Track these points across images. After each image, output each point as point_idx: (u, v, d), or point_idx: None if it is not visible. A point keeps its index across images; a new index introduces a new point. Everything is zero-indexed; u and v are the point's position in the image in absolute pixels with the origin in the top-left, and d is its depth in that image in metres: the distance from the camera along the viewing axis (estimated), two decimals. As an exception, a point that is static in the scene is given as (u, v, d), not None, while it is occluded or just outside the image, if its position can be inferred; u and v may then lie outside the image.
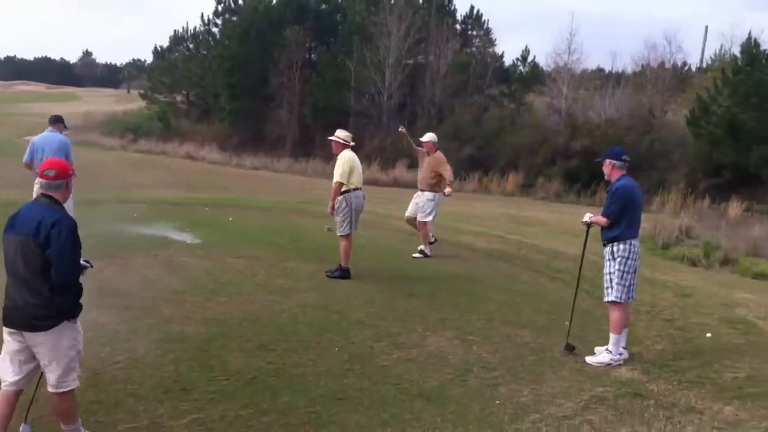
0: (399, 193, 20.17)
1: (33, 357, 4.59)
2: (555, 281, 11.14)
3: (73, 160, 9.75)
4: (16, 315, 4.51)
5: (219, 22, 44.12)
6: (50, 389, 4.62)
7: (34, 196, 10.46)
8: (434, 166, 12.16)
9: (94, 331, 6.35)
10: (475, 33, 42.22)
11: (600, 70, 41.31)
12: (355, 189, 10.11)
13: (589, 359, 7.11)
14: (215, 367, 6.39)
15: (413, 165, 12.88)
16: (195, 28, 46.89)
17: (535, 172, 29.88)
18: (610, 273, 7.15)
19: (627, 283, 7.11)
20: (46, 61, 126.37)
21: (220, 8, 43.85)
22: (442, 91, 36.82)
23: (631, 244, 7.10)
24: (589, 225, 7.34)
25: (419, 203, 12.23)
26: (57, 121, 11.06)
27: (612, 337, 7.10)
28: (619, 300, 7.08)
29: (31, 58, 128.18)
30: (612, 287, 7.12)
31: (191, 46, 47.53)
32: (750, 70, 26.33)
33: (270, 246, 12.23)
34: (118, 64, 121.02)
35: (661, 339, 8.10)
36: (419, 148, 12.45)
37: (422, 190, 12.28)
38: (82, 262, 4.64)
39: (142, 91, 50.90)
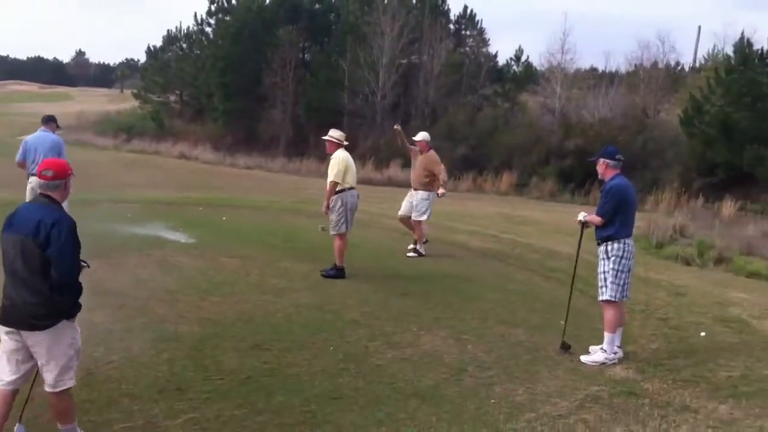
0: (393, 193, 20.16)
1: (30, 356, 4.58)
2: (549, 280, 11.14)
3: (66, 160, 9.71)
4: (14, 314, 4.51)
5: (212, 21, 44.03)
6: (47, 389, 4.61)
7: (27, 195, 10.54)
8: (428, 165, 12.16)
9: (88, 330, 6.29)
10: (468, 33, 42.19)
11: (593, 69, 41.44)
12: (350, 188, 10.11)
13: (583, 358, 7.11)
14: (210, 366, 6.37)
15: (407, 164, 12.89)
16: (188, 27, 46.78)
17: (529, 172, 29.92)
18: (604, 272, 7.16)
19: (621, 282, 7.12)
20: (39, 60, 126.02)
21: (213, 8, 43.77)
22: (435, 90, 36.82)
23: (625, 243, 7.11)
24: (583, 224, 7.34)
25: (413, 202, 12.22)
26: (49, 121, 11.06)
27: (606, 336, 7.11)
28: (613, 299, 7.09)
29: (24, 58, 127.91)
30: (606, 286, 7.12)
31: (184, 45, 47.37)
32: (743, 69, 26.39)
33: (264, 246, 12.21)
34: (111, 64, 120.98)
35: (655, 338, 8.12)
36: (412, 147, 12.45)
37: (416, 189, 12.28)
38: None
39: (135, 91, 50.68)
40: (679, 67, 39.63)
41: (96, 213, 13.68)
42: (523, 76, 38.89)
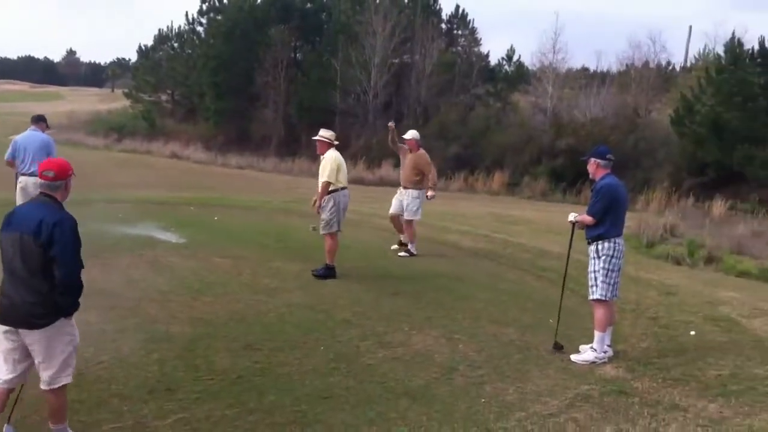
0: (385, 192, 20.14)
1: (27, 355, 4.59)
2: (540, 280, 11.17)
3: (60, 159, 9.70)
4: (12, 313, 4.52)
5: (204, 21, 43.98)
6: (44, 386, 4.63)
7: (18, 195, 10.51)
8: (418, 164, 12.18)
9: (78, 330, 6.30)
10: (460, 32, 42.19)
11: (585, 69, 41.41)
12: (343, 188, 10.12)
13: (574, 357, 7.14)
14: (201, 366, 6.37)
15: (398, 164, 12.88)
16: (180, 27, 46.75)
17: (520, 171, 29.94)
18: (594, 271, 7.18)
19: (611, 281, 7.14)
20: (29, 60, 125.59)
21: (204, 7, 43.70)
22: (427, 90, 36.83)
23: (615, 243, 7.14)
24: (574, 224, 7.37)
25: (404, 201, 12.22)
26: (39, 121, 11.04)
27: (597, 335, 7.13)
28: (603, 298, 7.12)
29: (15, 57, 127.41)
30: (597, 285, 7.15)
31: (176, 45, 47.31)
32: (733, 69, 26.46)
33: (256, 245, 12.20)
34: (102, 64, 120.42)
35: (645, 337, 8.15)
36: (402, 145, 12.45)
37: (406, 188, 12.28)
38: None
39: (126, 91, 50.57)
40: (670, 67, 39.75)
41: (87, 213, 13.57)
42: (514, 76, 38.93)
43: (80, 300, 4.67)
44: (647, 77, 34.17)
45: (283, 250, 11.93)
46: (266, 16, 39.57)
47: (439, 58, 37.00)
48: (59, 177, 4.64)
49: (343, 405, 5.72)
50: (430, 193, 12.25)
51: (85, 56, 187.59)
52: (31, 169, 10.46)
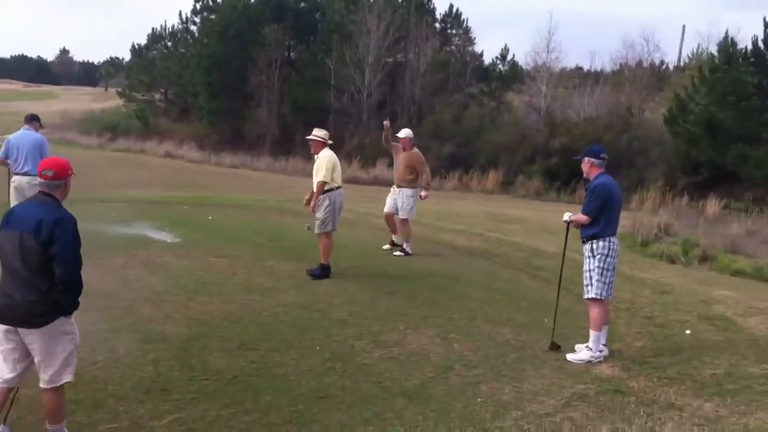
0: (379, 192, 20.11)
1: (27, 354, 4.59)
2: (535, 279, 11.18)
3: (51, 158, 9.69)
4: (12, 312, 4.52)
5: (197, 20, 43.82)
6: (44, 385, 4.62)
7: (11, 194, 10.48)
8: (412, 163, 12.18)
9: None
10: (454, 31, 42.17)
11: (579, 68, 41.42)
12: (338, 187, 10.12)
13: (569, 356, 7.14)
14: (196, 366, 6.36)
15: (393, 163, 12.85)
16: (173, 26, 46.53)
17: (515, 170, 29.92)
18: (589, 270, 7.19)
19: (606, 280, 7.15)
20: (22, 59, 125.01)
21: (198, 6, 43.54)
22: (421, 89, 36.80)
23: (610, 242, 7.15)
24: (569, 223, 7.37)
25: (398, 200, 12.22)
26: (32, 120, 11.02)
27: (592, 334, 7.14)
28: (599, 297, 7.12)
29: (8, 56, 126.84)
30: (592, 284, 7.15)
31: (169, 44, 47.14)
32: (727, 68, 26.48)
33: (250, 245, 12.19)
34: (96, 62, 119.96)
35: (640, 336, 8.16)
36: (395, 143, 12.44)
37: (400, 187, 12.28)
38: None
39: (119, 90, 50.34)
40: (663, 66, 39.75)
41: (81, 212, 13.46)
42: (508, 75, 38.90)
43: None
44: (641, 76, 34.20)
45: (277, 250, 11.92)
46: (260, 16, 39.48)
47: (433, 57, 36.97)
48: (58, 176, 4.66)
49: (339, 405, 5.72)
50: (423, 193, 12.27)
51: (78, 55, 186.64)
52: (25, 169, 10.44)
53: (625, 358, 7.24)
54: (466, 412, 5.69)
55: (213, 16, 41.76)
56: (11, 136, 10.92)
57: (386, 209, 12.45)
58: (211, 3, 42.87)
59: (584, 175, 7.44)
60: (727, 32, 28.63)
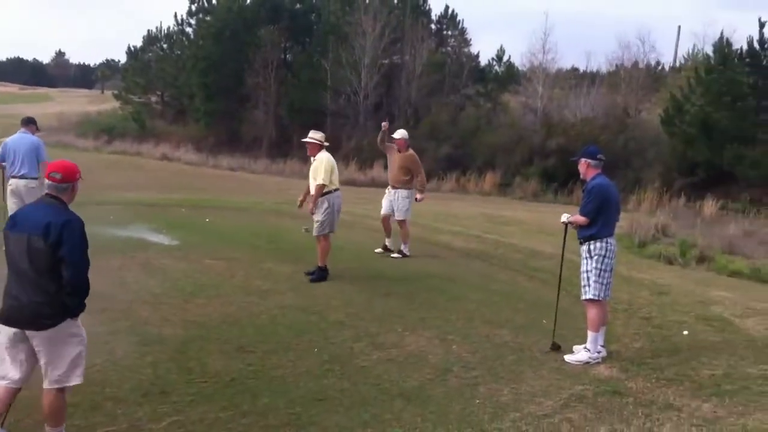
0: (376, 193, 20.08)
1: (33, 356, 4.58)
2: (532, 280, 11.18)
3: (47, 161, 9.71)
4: (19, 313, 4.53)
5: (193, 22, 43.79)
6: (49, 386, 4.61)
7: (8, 198, 10.46)
8: (407, 164, 12.18)
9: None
10: (450, 33, 42.20)
11: (575, 69, 41.59)
12: (336, 189, 10.12)
13: (567, 358, 7.15)
14: (194, 369, 6.35)
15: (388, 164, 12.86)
16: (169, 27, 46.52)
17: (512, 172, 29.93)
18: (587, 271, 7.19)
19: (604, 281, 7.15)
20: (18, 61, 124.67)
21: (193, 8, 43.53)
22: (418, 90, 36.81)
23: (607, 242, 7.15)
24: (567, 225, 7.37)
25: (394, 201, 12.22)
26: (29, 123, 11.02)
27: (590, 335, 7.14)
28: (596, 298, 7.12)
29: (4, 59, 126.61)
30: (589, 285, 7.15)
31: (165, 46, 47.10)
32: (722, 69, 26.53)
33: (248, 247, 12.19)
34: (92, 65, 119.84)
35: (638, 337, 8.16)
36: (390, 144, 12.44)
37: (395, 188, 12.28)
38: None
39: (116, 92, 50.24)
40: (659, 67, 39.85)
41: (78, 215, 13.56)
42: (504, 76, 38.96)
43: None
44: (637, 77, 34.28)
45: (275, 252, 11.92)
46: (255, 17, 39.48)
47: (429, 58, 37.00)
48: (66, 179, 4.70)
49: (337, 407, 5.71)
50: (419, 196, 12.28)
51: (74, 57, 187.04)
52: (21, 172, 10.43)
53: (623, 359, 7.24)
54: (464, 414, 5.69)
55: (208, 18, 41.74)
56: (8, 139, 10.91)
57: (383, 211, 12.45)
58: (206, 5, 42.88)
59: (581, 176, 7.44)
60: (722, 33, 28.88)
